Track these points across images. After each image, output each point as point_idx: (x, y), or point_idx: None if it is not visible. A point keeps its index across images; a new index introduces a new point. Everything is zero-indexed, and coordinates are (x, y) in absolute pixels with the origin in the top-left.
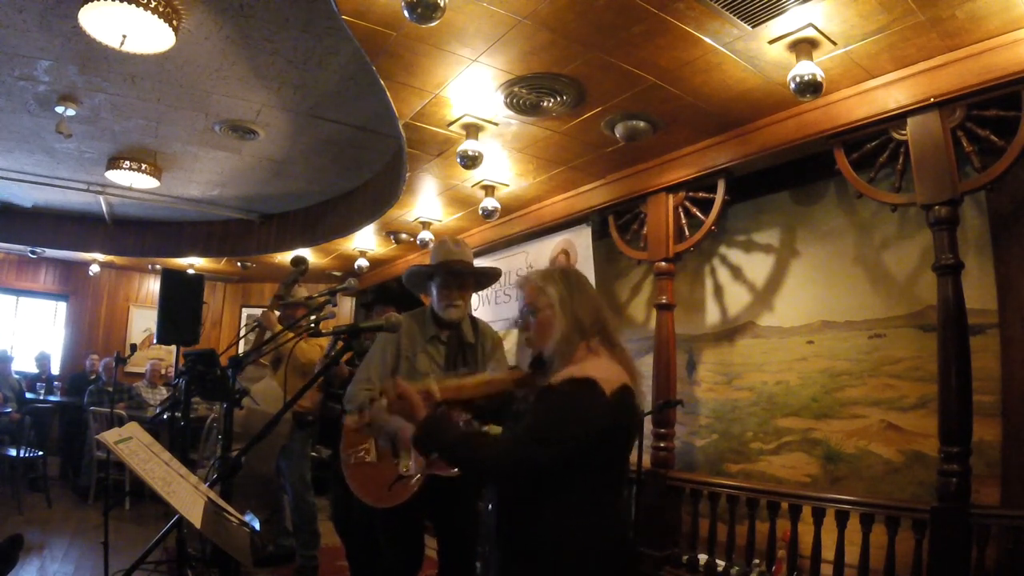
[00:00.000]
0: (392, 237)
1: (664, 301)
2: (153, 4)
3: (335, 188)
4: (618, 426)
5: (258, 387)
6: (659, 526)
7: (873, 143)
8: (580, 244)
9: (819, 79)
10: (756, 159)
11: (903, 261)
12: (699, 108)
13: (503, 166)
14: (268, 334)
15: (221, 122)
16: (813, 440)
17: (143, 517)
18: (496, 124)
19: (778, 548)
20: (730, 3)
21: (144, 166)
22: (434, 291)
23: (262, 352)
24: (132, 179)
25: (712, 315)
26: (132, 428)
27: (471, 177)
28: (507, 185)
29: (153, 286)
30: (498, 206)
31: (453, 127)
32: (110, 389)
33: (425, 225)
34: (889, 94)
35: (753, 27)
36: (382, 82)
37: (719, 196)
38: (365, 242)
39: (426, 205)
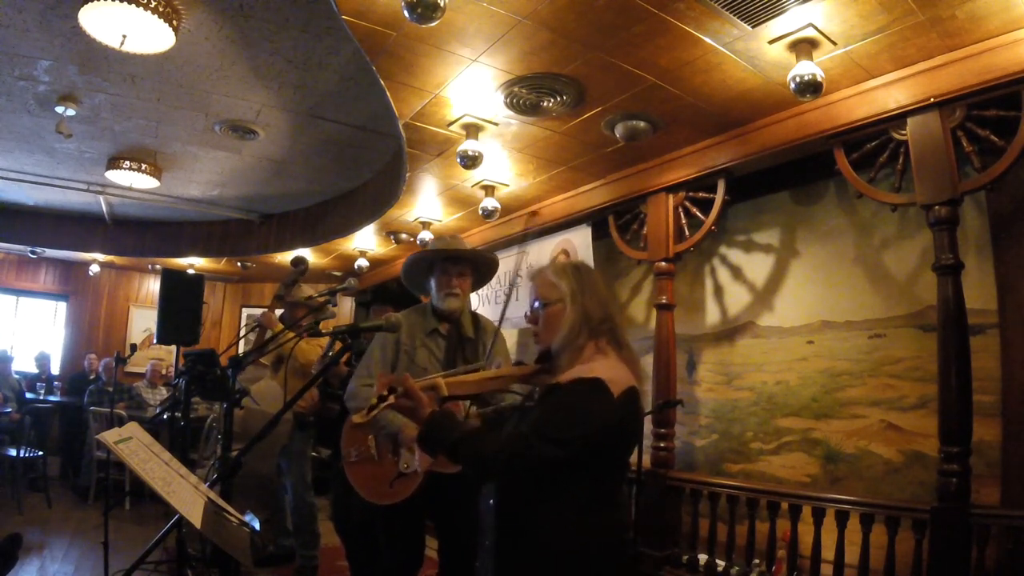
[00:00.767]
0: (392, 237)
1: (664, 301)
2: (153, 4)
3: (335, 188)
4: (624, 428)
5: (258, 387)
6: (659, 526)
7: (873, 143)
8: (580, 244)
9: (819, 79)
10: (756, 159)
11: (903, 261)
12: (699, 108)
13: (503, 166)
14: (268, 334)
15: (221, 122)
16: (813, 440)
17: (143, 517)
18: (496, 124)
19: (778, 548)
20: (730, 3)
21: (144, 166)
22: (433, 282)
23: (263, 352)
24: (132, 179)
25: (712, 315)
26: (132, 428)
27: (471, 177)
28: (507, 185)
29: (153, 286)
30: (498, 206)
31: (453, 127)
32: (110, 389)
33: (425, 225)
34: (889, 94)
35: (753, 27)
36: (382, 82)
37: (719, 196)
38: (365, 242)
39: (426, 205)
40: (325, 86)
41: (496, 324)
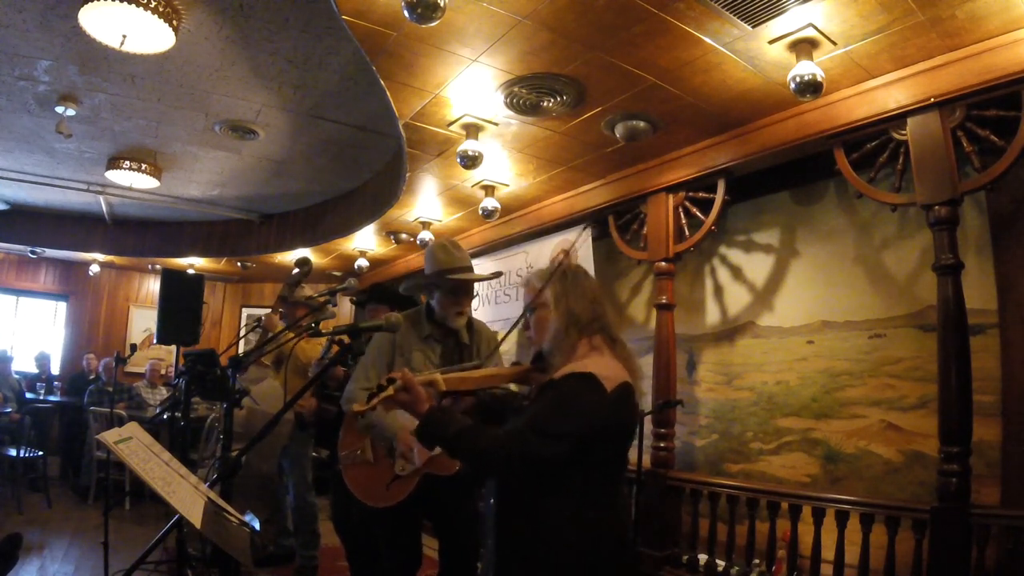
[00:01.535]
0: (392, 237)
1: (664, 301)
2: (153, 4)
3: (335, 188)
4: (618, 423)
5: (259, 387)
6: (659, 526)
7: (873, 143)
8: (580, 244)
9: (819, 79)
10: (756, 159)
11: (903, 261)
12: (699, 108)
13: (503, 166)
14: (269, 335)
15: (221, 122)
16: (813, 440)
17: (143, 517)
18: (496, 124)
19: (778, 548)
20: (730, 3)
21: (144, 166)
22: (438, 298)
23: (263, 352)
24: (132, 179)
25: (712, 315)
26: (132, 428)
27: (471, 177)
28: (507, 185)
29: (153, 286)
30: (498, 206)
31: (453, 127)
32: (110, 389)
33: (425, 225)
34: (889, 94)
35: (753, 27)
36: (382, 82)
37: (719, 196)
38: (365, 242)
39: (426, 205)
40: (325, 86)
41: (492, 329)
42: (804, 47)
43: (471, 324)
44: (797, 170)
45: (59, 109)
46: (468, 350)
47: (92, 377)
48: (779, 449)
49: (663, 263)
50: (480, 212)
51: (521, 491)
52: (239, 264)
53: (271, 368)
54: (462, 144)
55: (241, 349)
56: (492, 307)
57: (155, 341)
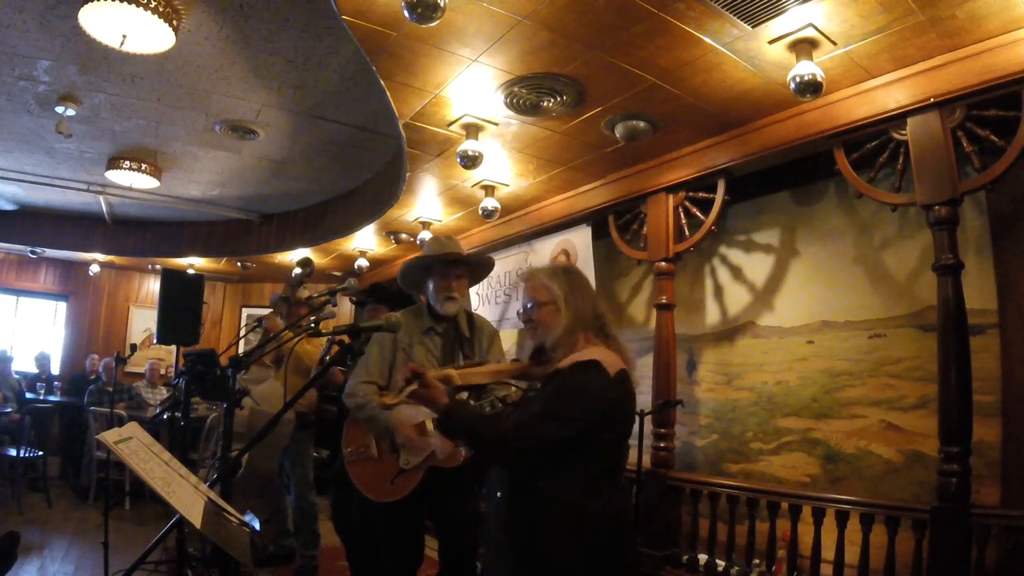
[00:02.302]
0: (392, 237)
1: (664, 301)
2: (153, 4)
3: (335, 188)
4: (620, 405)
5: (260, 387)
6: (659, 526)
7: (873, 143)
8: (580, 244)
9: (819, 79)
10: (756, 159)
11: (903, 261)
12: (699, 108)
13: (503, 166)
14: (270, 336)
15: (221, 122)
16: (813, 440)
17: (143, 517)
18: (496, 124)
19: (778, 548)
20: (730, 3)
21: (144, 166)
22: (431, 285)
23: (264, 352)
24: (132, 179)
25: (712, 315)
26: (132, 428)
27: (471, 177)
28: (507, 185)
29: (153, 286)
30: (498, 206)
31: (453, 127)
32: (110, 389)
33: (425, 225)
34: (889, 94)
35: (753, 27)
36: (382, 82)
37: (719, 196)
38: (365, 242)
39: (426, 205)
40: (325, 86)
41: (494, 325)
42: (804, 47)
43: (472, 319)
44: (797, 170)
45: (59, 109)
46: (469, 343)
47: (92, 377)
48: (779, 449)
49: (663, 263)
50: (480, 212)
51: (532, 478)
52: (239, 264)
53: (272, 368)
54: (462, 144)
55: (241, 349)
56: (492, 307)
57: (155, 341)
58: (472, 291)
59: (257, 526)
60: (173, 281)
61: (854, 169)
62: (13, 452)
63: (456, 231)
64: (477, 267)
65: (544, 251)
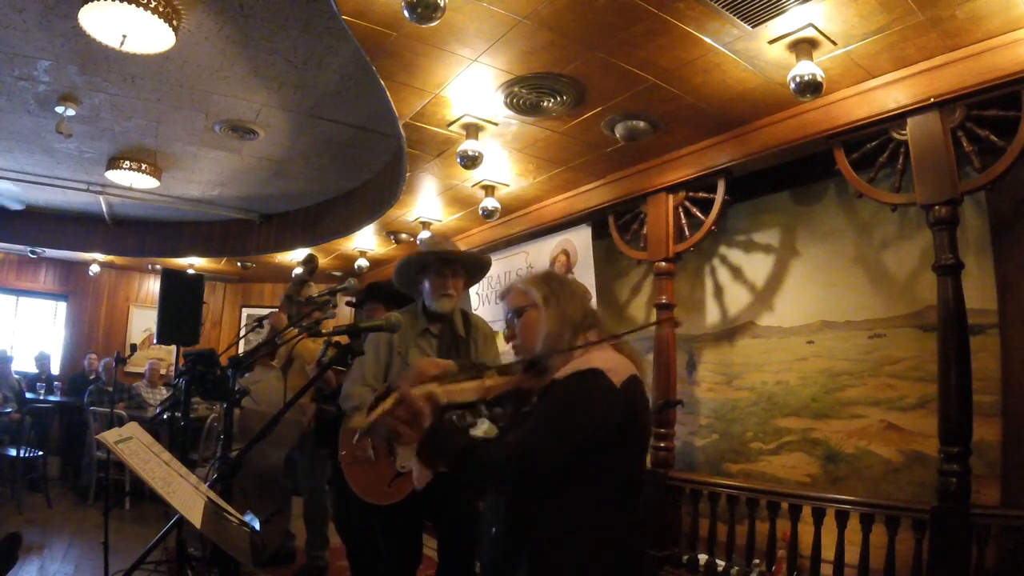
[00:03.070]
0: (392, 237)
1: (664, 301)
2: (153, 4)
3: (335, 188)
4: (631, 420)
5: (258, 387)
6: (659, 526)
7: (873, 143)
8: (580, 244)
9: (819, 79)
10: (756, 159)
11: (903, 261)
12: (699, 108)
13: (503, 166)
14: (276, 333)
15: (221, 122)
16: (813, 440)
17: (143, 517)
18: (496, 124)
19: (778, 548)
20: (730, 3)
21: (144, 166)
22: (426, 283)
23: (269, 349)
24: (132, 179)
25: (712, 315)
26: (132, 428)
27: (471, 177)
28: (507, 185)
29: (153, 286)
30: (498, 206)
31: (453, 127)
32: (110, 389)
33: (425, 225)
34: (889, 94)
35: (753, 27)
36: (382, 82)
37: (719, 196)
38: (365, 242)
39: (426, 205)
40: (325, 86)
41: (494, 325)
42: (804, 47)
43: (468, 318)
44: (797, 170)
45: (59, 109)
46: (465, 344)
47: (92, 377)
48: (779, 449)
49: (663, 263)
50: (480, 212)
51: (532, 508)
52: (239, 264)
53: (277, 369)
54: (462, 144)
55: (241, 349)
56: (492, 307)
57: (155, 341)
58: (472, 291)
59: (257, 526)
60: (173, 281)
61: (854, 169)
62: (13, 452)
63: (456, 231)
64: (473, 266)
65: (544, 251)
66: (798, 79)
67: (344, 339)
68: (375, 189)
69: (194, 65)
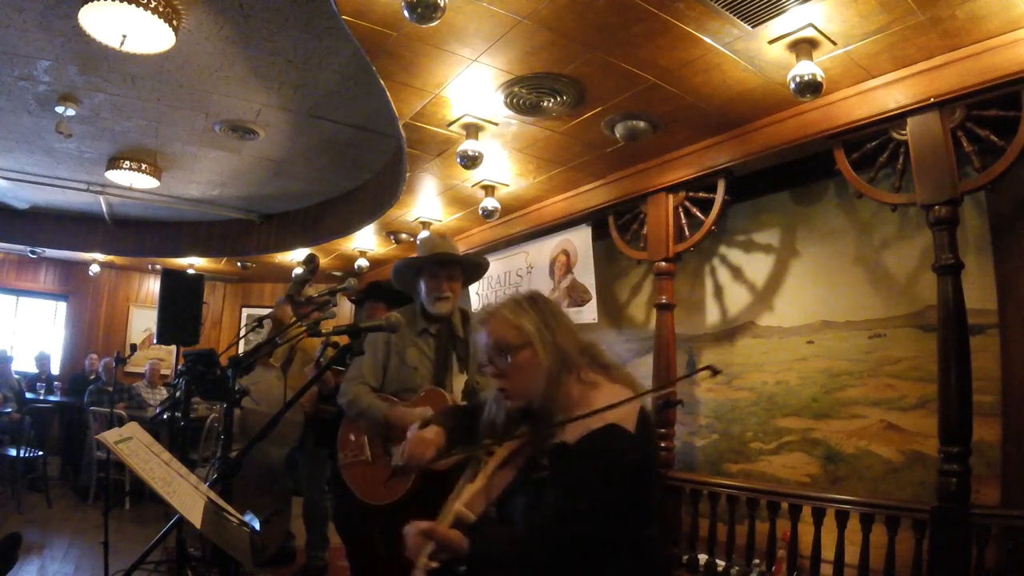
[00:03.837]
0: (392, 237)
1: (664, 301)
2: (153, 4)
3: (335, 188)
4: (649, 463)
5: (258, 387)
6: (659, 526)
7: (873, 143)
8: (580, 244)
9: (819, 79)
10: (756, 159)
11: (903, 261)
12: (699, 108)
13: (503, 166)
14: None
15: (221, 122)
16: (813, 440)
17: (143, 517)
18: (496, 124)
19: (778, 548)
20: (730, 3)
21: (144, 166)
22: (422, 285)
23: (264, 350)
24: (132, 179)
25: (712, 315)
26: (132, 428)
27: (471, 177)
28: (507, 185)
29: (153, 286)
30: (498, 206)
31: (453, 127)
32: (110, 389)
33: (425, 225)
34: (889, 94)
35: (753, 27)
36: (382, 82)
37: (719, 196)
38: (365, 242)
39: (426, 205)
40: (325, 86)
41: None
42: (804, 47)
43: (466, 317)
44: (797, 170)
45: (59, 109)
46: (464, 344)
47: (92, 377)
48: (779, 449)
49: (663, 263)
50: (480, 212)
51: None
52: (239, 264)
53: (277, 369)
54: (462, 144)
55: (241, 349)
56: None
57: (155, 341)
58: (472, 291)
59: (257, 526)
60: (173, 281)
61: (854, 169)
62: (13, 452)
63: (456, 231)
64: (470, 267)
65: (544, 251)
66: (798, 79)
67: (343, 339)
68: (375, 189)
69: (194, 65)
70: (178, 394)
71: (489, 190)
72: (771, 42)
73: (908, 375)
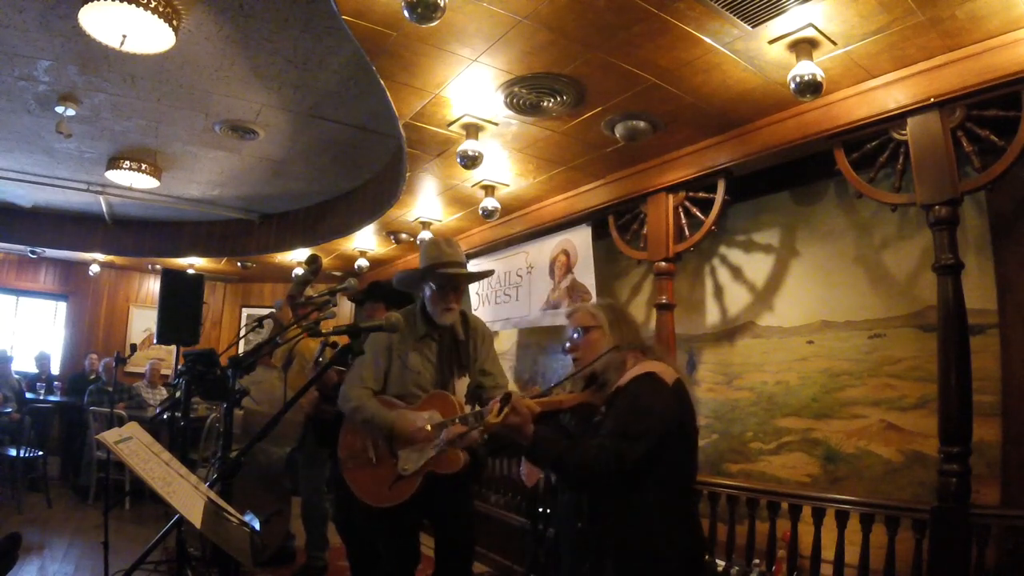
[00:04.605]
0: (392, 237)
1: (664, 301)
2: (153, 4)
3: (335, 188)
4: (684, 415)
5: (261, 388)
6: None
7: (873, 143)
8: (580, 244)
9: (819, 79)
10: (756, 159)
11: (903, 261)
12: (699, 108)
13: (503, 166)
14: (282, 327)
15: (221, 122)
16: (813, 440)
17: (143, 517)
18: (496, 124)
19: (778, 548)
20: (730, 3)
21: (144, 166)
22: (427, 294)
23: (264, 351)
24: (132, 179)
25: (712, 315)
26: (132, 428)
27: (471, 177)
28: (507, 185)
29: (153, 286)
30: (498, 206)
31: (453, 127)
32: (110, 389)
33: (425, 225)
34: (889, 94)
35: (753, 27)
36: (382, 82)
37: (719, 196)
38: (365, 242)
39: (426, 205)
40: (325, 86)
41: (493, 325)
42: (804, 47)
43: (467, 320)
44: (797, 170)
45: (59, 109)
46: (464, 347)
47: (92, 377)
48: (779, 449)
49: (663, 263)
50: (480, 212)
51: (613, 502)
52: (239, 264)
53: (278, 370)
54: (462, 144)
55: (241, 349)
56: (492, 307)
57: (155, 341)
58: (472, 290)
59: (257, 526)
60: (173, 281)
61: (854, 169)
62: (13, 452)
63: (456, 231)
64: (474, 278)
65: (544, 251)
66: (798, 79)
67: (343, 339)
68: (375, 189)
69: (194, 65)
70: (178, 394)
71: (489, 190)
72: (771, 42)
73: (908, 375)
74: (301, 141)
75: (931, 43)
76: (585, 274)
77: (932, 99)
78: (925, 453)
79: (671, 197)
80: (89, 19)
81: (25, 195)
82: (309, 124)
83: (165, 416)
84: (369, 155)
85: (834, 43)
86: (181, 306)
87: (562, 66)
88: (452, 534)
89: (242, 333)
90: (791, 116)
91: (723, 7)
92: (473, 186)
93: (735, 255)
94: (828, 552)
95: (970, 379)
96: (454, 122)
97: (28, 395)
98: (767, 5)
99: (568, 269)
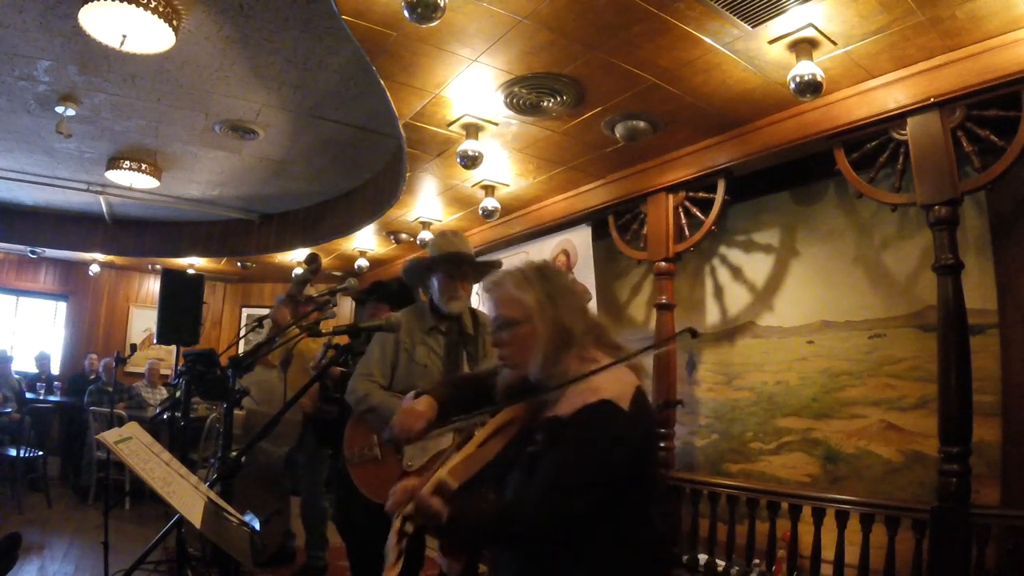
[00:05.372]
0: (392, 237)
1: (664, 301)
2: (153, 4)
3: (335, 188)
4: (644, 444)
5: (261, 387)
6: (664, 523)
7: (873, 143)
8: (580, 244)
9: (819, 79)
10: (756, 159)
11: (903, 261)
12: (699, 108)
13: (503, 166)
14: (280, 327)
15: (221, 122)
16: (813, 440)
17: (143, 517)
18: (496, 124)
19: (778, 548)
20: (730, 3)
21: (144, 166)
22: (435, 284)
23: (271, 347)
24: (132, 179)
25: (712, 315)
26: (132, 428)
27: (471, 177)
28: (507, 185)
29: (153, 286)
30: (498, 206)
31: (453, 127)
32: (110, 389)
33: (425, 225)
34: (889, 94)
35: (753, 27)
36: (382, 82)
37: (719, 196)
38: (365, 242)
39: (426, 205)
40: (325, 86)
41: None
42: (804, 47)
43: (476, 316)
44: (797, 170)
45: (59, 109)
46: (473, 341)
47: (92, 377)
48: (779, 449)
49: (663, 263)
50: (480, 212)
51: (554, 558)
52: (239, 264)
53: (278, 369)
54: (462, 144)
55: (241, 349)
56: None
57: (155, 341)
58: (472, 290)
59: (257, 526)
60: (173, 281)
61: (854, 169)
62: (13, 452)
63: (456, 231)
64: (482, 267)
65: (544, 251)
66: (798, 79)
67: (343, 340)
68: (375, 189)
69: (194, 65)
70: (178, 394)
71: (489, 190)
72: (771, 42)
73: (908, 375)
74: (301, 141)
75: (931, 43)
76: (585, 274)
77: (932, 99)
78: (925, 453)
79: (671, 197)
80: (89, 19)
81: (25, 195)
82: (309, 124)
83: (165, 416)
84: (369, 155)
85: (834, 43)
86: (181, 306)
87: (562, 66)
88: None
89: (242, 333)
90: (791, 116)
91: (723, 7)
92: (473, 186)
93: (735, 255)
94: (828, 552)
95: (970, 379)
96: (454, 122)
97: (28, 395)
98: (767, 5)
99: (568, 269)
